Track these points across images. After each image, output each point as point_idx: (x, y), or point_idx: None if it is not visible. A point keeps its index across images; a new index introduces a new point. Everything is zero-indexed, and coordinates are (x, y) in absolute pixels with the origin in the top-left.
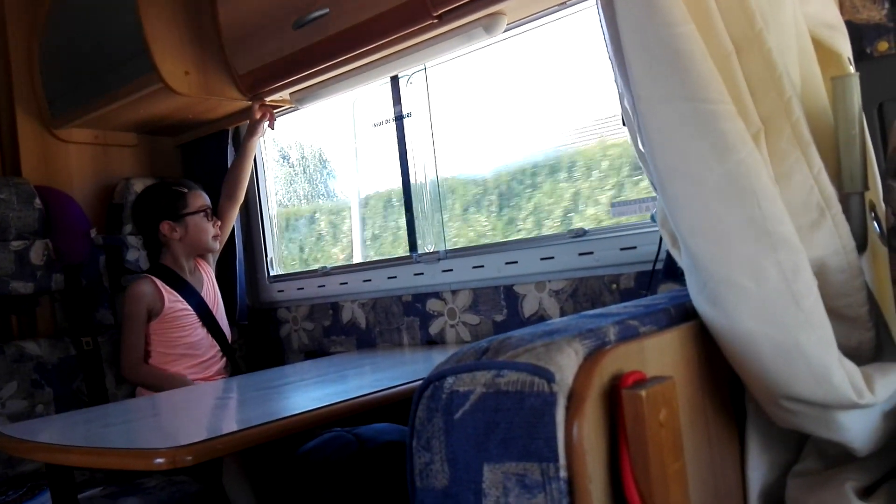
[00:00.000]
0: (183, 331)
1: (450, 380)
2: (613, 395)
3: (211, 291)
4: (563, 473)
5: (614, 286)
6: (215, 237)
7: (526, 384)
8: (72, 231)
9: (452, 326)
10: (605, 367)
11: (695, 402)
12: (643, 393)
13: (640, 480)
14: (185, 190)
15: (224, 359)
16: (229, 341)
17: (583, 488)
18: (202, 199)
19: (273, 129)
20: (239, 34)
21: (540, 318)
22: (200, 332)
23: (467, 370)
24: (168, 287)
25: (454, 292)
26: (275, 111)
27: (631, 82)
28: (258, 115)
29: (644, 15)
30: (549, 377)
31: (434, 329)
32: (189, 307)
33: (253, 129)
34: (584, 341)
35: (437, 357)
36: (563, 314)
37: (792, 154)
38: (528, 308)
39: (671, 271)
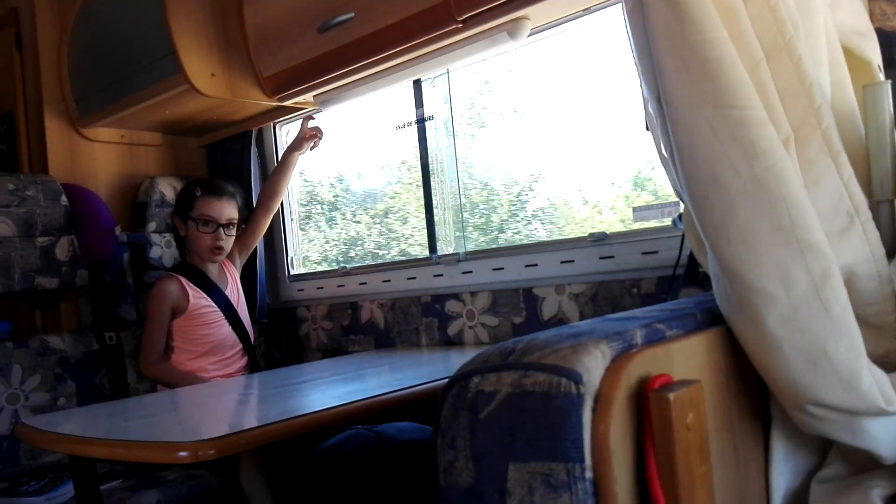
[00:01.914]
0: (208, 328)
1: (475, 379)
2: (640, 398)
3: (235, 292)
4: (588, 474)
5: (635, 290)
6: (214, 250)
7: (553, 385)
8: (97, 228)
9: (471, 328)
10: (632, 369)
11: (720, 407)
12: (671, 396)
13: (666, 483)
14: (199, 193)
15: (245, 357)
16: (252, 341)
17: (609, 490)
18: (210, 207)
19: (315, 149)
20: (264, 37)
21: (559, 321)
22: (225, 330)
23: (493, 370)
24: (193, 285)
25: (473, 294)
26: (298, 113)
27: (661, 88)
28: (308, 134)
29: (675, 21)
30: (576, 378)
31: (452, 330)
32: (214, 305)
33: (298, 144)
34: (611, 344)
35: (456, 358)
36: (582, 318)
37: (822, 161)
38: (548, 311)
39: (693, 276)
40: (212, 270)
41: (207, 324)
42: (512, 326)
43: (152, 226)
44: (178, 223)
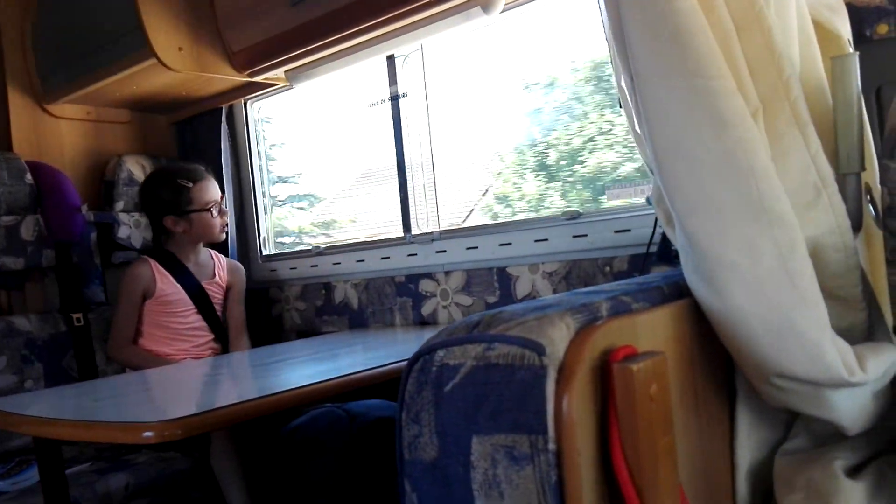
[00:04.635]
0: (173, 316)
1: (440, 353)
2: (604, 370)
3: (219, 283)
4: (551, 446)
5: (608, 268)
6: (222, 229)
7: (517, 357)
8: (63, 207)
9: (445, 307)
10: (596, 341)
11: (685, 379)
12: (634, 367)
13: (629, 454)
14: (191, 184)
15: (219, 346)
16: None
17: (571, 461)
18: (209, 192)
19: None
20: (234, 10)
21: (533, 299)
22: (193, 319)
23: (458, 343)
24: (164, 271)
25: (447, 273)
26: (270, 89)
27: (631, 59)
28: None
29: None
30: (539, 350)
31: (426, 310)
32: (182, 292)
33: None
34: (576, 316)
35: (429, 337)
36: None
37: (790, 133)
38: (522, 290)
39: (665, 254)
40: (191, 259)
41: (173, 312)
42: (486, 305)
43: (120, 205)
44: (173, 221)
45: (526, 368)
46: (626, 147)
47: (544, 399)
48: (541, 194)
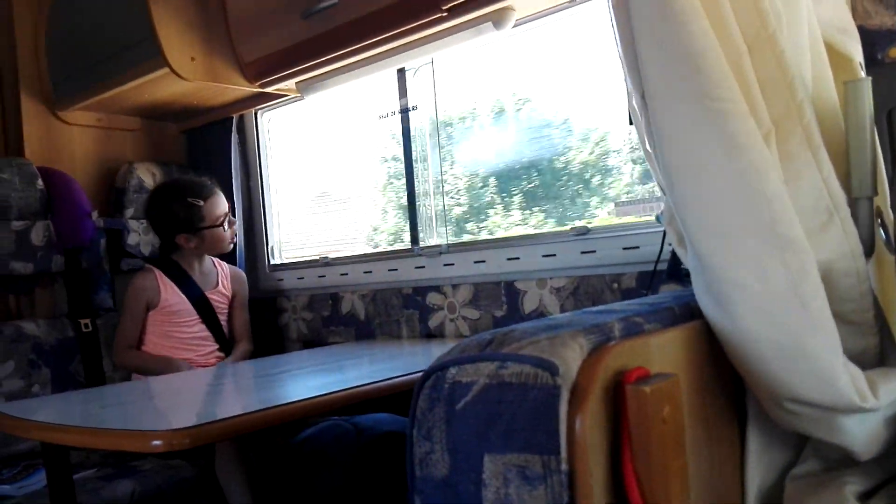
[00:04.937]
0: (178, 326)
1: (452, 370)
2: (617, 391)
3: (223, 292)
4: (564, 466)
5: (616, 285)
6: (232, 239)
7: (530, 376)
8: (73, 213)
9: (452, 320)
10: (609, 362)
11: (697, 401)
12: (647, 389)
13: (642, 476)
14: (202, 202)
15: (224, 355)
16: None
17: (584, 482)
18: (220, 206)
19: None
20: (246, 21)
21: (540, 314)
22: (197, 328)
23: (470, 361)
24: (169, 281)
25: (455, 286)
26: (281, 100)
27: (643, 80)
28: None
29: (658, 12)
30: (553, 370)
31: (433, 322)
32: (186, 302)
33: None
34: (589, 336)
35: (436, 350)
36: (563, 312)
37: (802, 156)
38: (529, 304)
39: (675, 272)
40: (196, 270)
41: (178, 322)
42: (493, 320)
43: (130, 212)
44: (185, 239)
45: (539, 388)
46: (456, 194)
47: (557, 419)
48: (398, 229)
